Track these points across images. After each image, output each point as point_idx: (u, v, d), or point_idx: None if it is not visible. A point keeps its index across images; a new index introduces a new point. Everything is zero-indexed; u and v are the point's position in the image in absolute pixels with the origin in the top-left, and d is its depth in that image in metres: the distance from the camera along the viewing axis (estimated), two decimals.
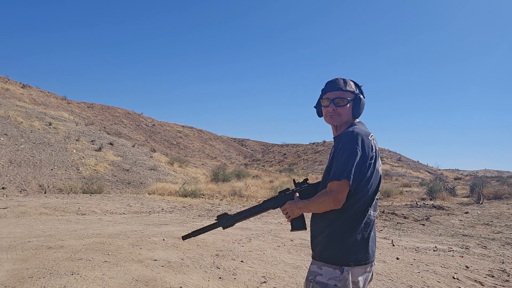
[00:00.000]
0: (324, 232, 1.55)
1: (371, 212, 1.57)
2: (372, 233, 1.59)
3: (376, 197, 1.62)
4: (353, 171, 1.47)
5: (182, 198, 12.79)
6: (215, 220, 1.76)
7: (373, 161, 1.55)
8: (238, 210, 9.59)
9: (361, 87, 1.71)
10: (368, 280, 1.62)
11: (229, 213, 1.76)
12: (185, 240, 5.26)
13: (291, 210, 1.64)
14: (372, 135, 1.60)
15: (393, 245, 5.53)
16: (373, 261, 1.62)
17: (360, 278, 1.55)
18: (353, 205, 1.52)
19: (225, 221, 1.74)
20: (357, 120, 1.70)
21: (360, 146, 1.50)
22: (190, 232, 1.78)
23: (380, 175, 1.64)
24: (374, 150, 1.57)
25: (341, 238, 1.51)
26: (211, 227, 1.74)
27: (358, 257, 1.51)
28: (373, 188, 1.57)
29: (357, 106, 1.66)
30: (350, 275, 1.49)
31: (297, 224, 1.67)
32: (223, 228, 1.73)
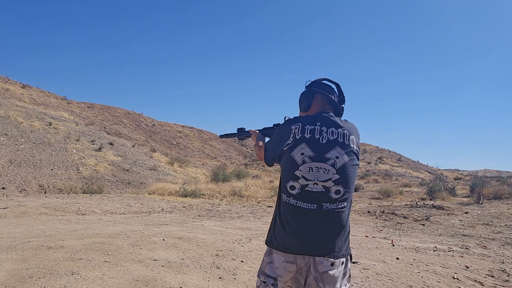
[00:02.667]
0: None
1: (284, 197, 1.59)
2: (298, 222, 1.53)
3: (297, 183, 1.55)
4: (267, 148, 1.77)
5: (182, 198, 12.79)
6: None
7: (288, 147, 1.61)
8: (238, 210, 9.60)
9: (307, 82, 1.81)
10: (315, 277, 1.51)
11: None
12: (185, 240, 5.27)
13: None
14: (297, 125, 1.63)
15: (393, 245, 5.53)
16: (304, 254, 1.51)
17: (281, 267, 1.55)
18: (278, 188, 1.69)
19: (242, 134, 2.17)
20: (305, 112, 1.77)
21: (276, 132, 1.74)
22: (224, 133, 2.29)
23: (300, 163, 1.56)
24: (291, 137, 1.61)
25: (272, 220, 1.68)
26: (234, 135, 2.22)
27: (273, 241, 1.61)
28: (286, 174, 1.61)
29: None
30: (270, 256, 1.62)
31: None
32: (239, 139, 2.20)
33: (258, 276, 1.65)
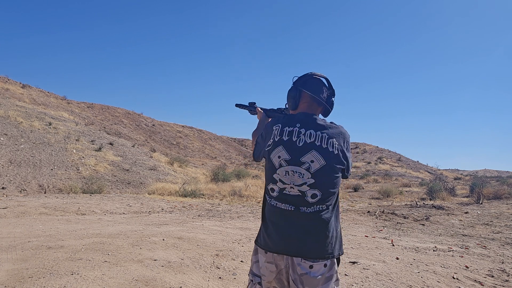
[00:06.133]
0: None
1: (267, 198, 1.63)
2: (277, 222, 1.56)
3: (276, 186, 1.58)
4: (257, 143, 1.76)
5: (182, 198, 12.78)
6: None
7: (268, 148, 1.64)
8: (238, 210, 9.59)
9: (294, 78, 1.76)
10: (294, 279, 1.51)
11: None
12: (185, 240, 5.27)
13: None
14: (277, 126, 1.64)
15: (393, 245, 5.53)
16: (281, 254, 1.53)
17: (264, 266, 1.60)
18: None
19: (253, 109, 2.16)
20: (293, 111, 1.75)
21: (264, 129, 1.75)
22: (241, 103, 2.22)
23: (277, 167, 1.58)
24: (271, 139, 1.63)
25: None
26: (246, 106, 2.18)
27: (258, 239, 1.66)
28: (267, 176, 1.64)
29: None
30: (256, 255, 1.66)
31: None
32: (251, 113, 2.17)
33: (249, 274, 1.70)
